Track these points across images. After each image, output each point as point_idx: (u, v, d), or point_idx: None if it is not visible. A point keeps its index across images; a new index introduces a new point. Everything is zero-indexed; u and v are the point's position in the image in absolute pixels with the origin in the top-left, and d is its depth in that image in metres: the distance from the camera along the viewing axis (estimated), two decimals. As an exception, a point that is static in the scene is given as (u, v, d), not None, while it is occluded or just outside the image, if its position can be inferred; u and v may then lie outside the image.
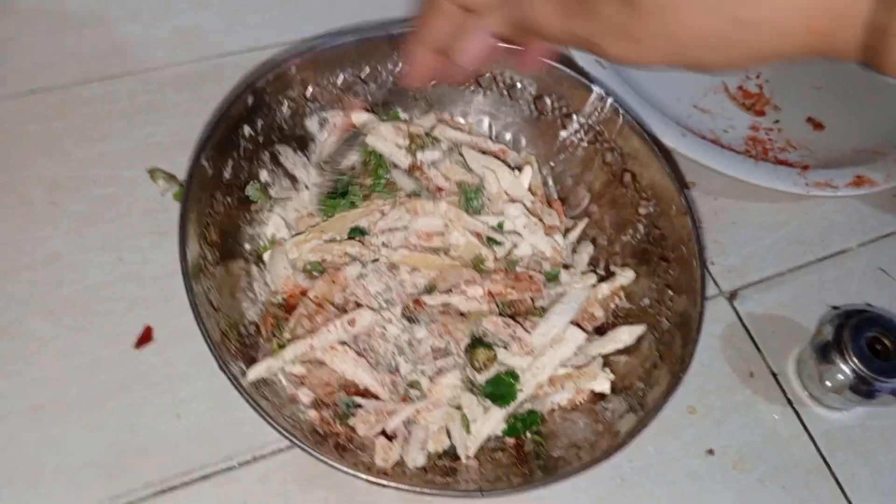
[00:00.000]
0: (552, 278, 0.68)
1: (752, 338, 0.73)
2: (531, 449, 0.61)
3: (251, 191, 0.67)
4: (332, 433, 0.58)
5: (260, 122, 0.67)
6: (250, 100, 0.65)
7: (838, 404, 0.69)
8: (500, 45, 0.52)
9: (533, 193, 0.72)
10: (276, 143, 0.69)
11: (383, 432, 0.59)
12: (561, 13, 0.47)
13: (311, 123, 0.71)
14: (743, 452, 0.67)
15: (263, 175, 0.68)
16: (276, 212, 0.68)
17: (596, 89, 0.70)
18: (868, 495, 0.66)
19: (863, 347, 0.66)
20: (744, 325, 0.74)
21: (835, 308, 0.75)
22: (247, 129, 0.66)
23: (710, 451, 0.66)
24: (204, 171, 0.61)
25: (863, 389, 0.65)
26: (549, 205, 0.73)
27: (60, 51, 0.80)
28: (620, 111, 0.69)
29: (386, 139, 0.71)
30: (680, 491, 0.65)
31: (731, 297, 0.75)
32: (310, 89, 0.69)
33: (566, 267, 0.70)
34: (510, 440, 0.62)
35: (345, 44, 0.69)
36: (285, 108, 0.68)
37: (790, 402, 0.70)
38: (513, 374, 0.62)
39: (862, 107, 0.90)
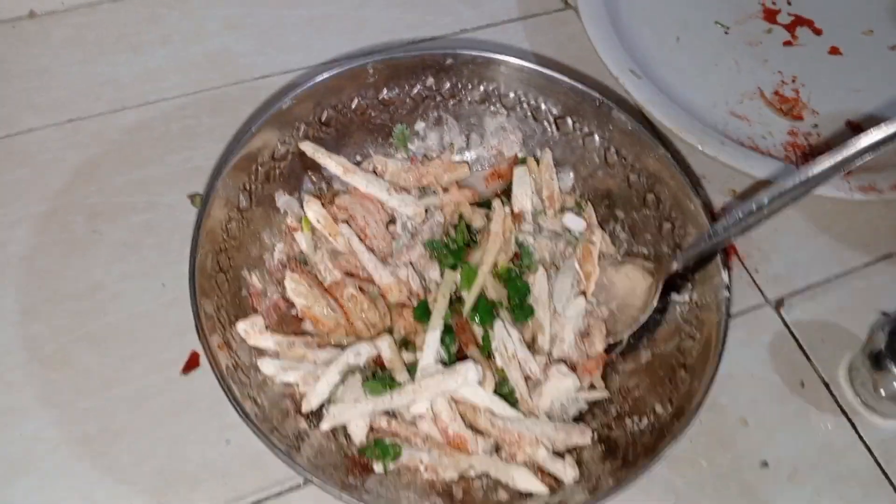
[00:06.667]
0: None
1: (801, 346, 0.72)
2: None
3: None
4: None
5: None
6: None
7: (894, 412, 0.68)
8: None
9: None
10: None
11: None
12: None
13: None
14: (797, 464, 0.66)
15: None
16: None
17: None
18: (929, 505, 0.65)
19: (918, 353, 0.64)
20: (792, 333, 0.72)
21: (885, 314, 0.74)
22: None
23: (765, 464, 0.65)
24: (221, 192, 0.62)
25: (920, 396, 0.64)
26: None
27: (96, 79, 0.80)
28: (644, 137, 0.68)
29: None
30: (735, 506, 0.64)
31: (778, 305, 0.74)
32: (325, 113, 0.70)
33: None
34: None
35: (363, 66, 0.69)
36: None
37: (843, 412, 0.69)
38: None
39: (901, 108, 0.89)
